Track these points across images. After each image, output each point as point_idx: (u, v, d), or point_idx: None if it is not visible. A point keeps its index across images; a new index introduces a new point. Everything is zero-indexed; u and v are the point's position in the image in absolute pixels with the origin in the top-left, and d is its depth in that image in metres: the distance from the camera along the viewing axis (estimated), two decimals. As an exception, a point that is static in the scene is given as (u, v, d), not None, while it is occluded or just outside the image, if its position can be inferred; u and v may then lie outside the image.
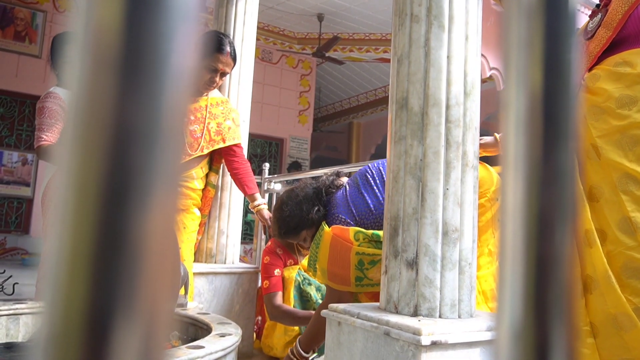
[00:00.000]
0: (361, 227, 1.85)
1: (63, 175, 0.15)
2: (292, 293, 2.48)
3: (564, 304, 0.18)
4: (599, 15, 1.43)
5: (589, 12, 1.54)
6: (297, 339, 2.03)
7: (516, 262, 0.18)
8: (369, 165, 2.05)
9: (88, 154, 0.14)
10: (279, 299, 2.47)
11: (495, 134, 2.03)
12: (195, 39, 0.16)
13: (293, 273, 2.53)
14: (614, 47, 1.37)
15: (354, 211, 1.90)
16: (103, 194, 0.14)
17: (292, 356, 2.03)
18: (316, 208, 2.02)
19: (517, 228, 0.19)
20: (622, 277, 1.21)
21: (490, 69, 4.82)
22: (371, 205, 1.89)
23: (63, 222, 0.14)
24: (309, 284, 2.50)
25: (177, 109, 0.15)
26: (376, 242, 1.74)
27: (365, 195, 1.92)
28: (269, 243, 2.67)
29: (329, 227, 1.88)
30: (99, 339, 0.14)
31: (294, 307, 2.46)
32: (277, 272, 2.53)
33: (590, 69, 1.41)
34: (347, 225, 1.87)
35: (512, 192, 0.19)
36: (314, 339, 1.98)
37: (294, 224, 2.04)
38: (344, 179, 2.15)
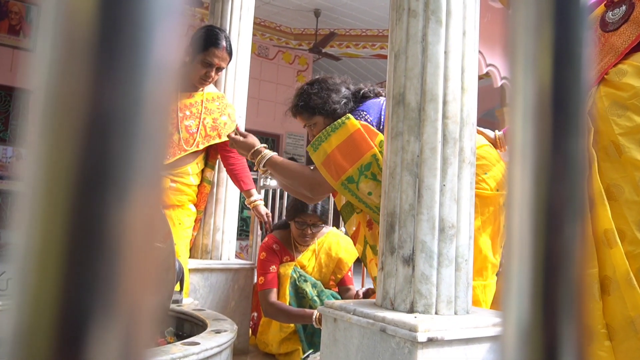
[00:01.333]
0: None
1: (32, 164, 0.14)
2: (287, 289, 2.47)
3: (574, 302, 0.17)
4: (623, 7, 1.38)
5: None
6: (272, 158, 1.95)
7: (523, 258, 0.17)
8: None
9: (60, 141, 0.13)
10: (273, 295, 2.47)
11: (496, 132, 2.00)
12: (178, 23, 0.15)
13: (289, 269, 2.53)
14: None
15: (382, 119, 1.84)
16: (77, 184, 0.13)
17: (253, 159, 1.97)
18: (344, 101, 1.93)
19: (524, 222, 0.18)
20: None
21: (487, 65, 4.81)
22: None
23: (33, 213, 0.13)
24: (305, 281, 2.50)
25: (159, 96, 0.14)
26: None
27: None
28: (266, 239, 2.66)
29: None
30: (72, 339, 0.13)
31: (289, 303, 2.46)
32: (272, 268, 2.53)
33: (614, 65, 1.36)
34: (368, 124, 1.80)
35: (519, 185, 0.18)
36: (283, 172, 1.94)
37: (314, 103, 1.93)
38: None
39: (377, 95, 1.99)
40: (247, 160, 2.00)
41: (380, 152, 1.69)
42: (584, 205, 0.18)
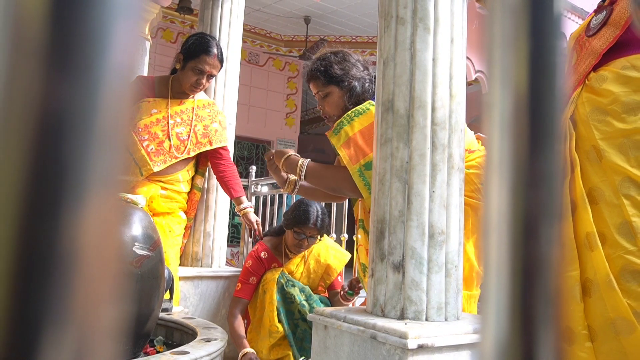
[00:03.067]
0: None
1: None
2: (274, 295, 2.47)
3: (552, 309, 0.17)
4: (604, 13, 1.41)
5: (576, 18, 1.52)
6: (307, 164, 1.84)
7: (501, 270, 0.18)
8: None
9: (8, 145, 0.13)
10: (240, 306, 2.53)
11: None
12: (136, 24, 0.15)
13: (276, 274, 2.52)
14: (619, 47, 1.35)
15: None
16: (26, 190, 0.13)
17: (289, 169, 1.88)
18: (368, 81, 1.88)
19: (502, 234, 0.18)
20: (621, 281, 1.20)
21: (476, 71, 4.84)
22: None
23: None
24: (293, 286, 2.49)
25: (115, 98, 0.14)
26: None
27: None
28: (257, 246, 2.65)
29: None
30: (22, 353, 0.13)
31: (277, 308, 2.46)
32: (252, 279, 2.54)
33: (595, 67, 1.39)
34: None
35: (496, 196, 0.18)
36: (322, 180, 1.86)
37: (334, 72, 1.86)
38: None
39: None
40: (281, 174, 1.91)
41: None
42: (561, 213, 0.18)
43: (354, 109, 1.79)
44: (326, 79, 1.89)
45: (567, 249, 1.29)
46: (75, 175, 0.13)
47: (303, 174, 1.84)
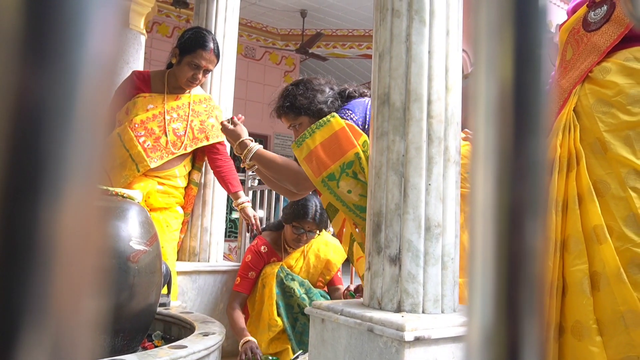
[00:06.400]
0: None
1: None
2: (274, 289, 2.47)
3: (536, 300, 0.18)
4: (604, 7, 1.39)
5: (561, 4, 1.50)
6: (258, 151, 1.93)
7: (487, 260, 0.18)
8: None
9: None
10: (239, 300, 2.56)
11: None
12: (115, 13, 0.15)
13: (275, 269, 2.53)
14: (622, 41, 1.34)
15: (368, 118, 1.84)
16: (3, 184, 0.13)
17: (239, 152, 1.95)
18: (330, 100, 1.94)
19: (487, 224, 0.18)
20: (629, 274, 1.20)
21: (472, 64, 4.84)
22: None
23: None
24: (292, 279, 2.50)
25: (94, 90, 0.14)
26: None
27: None
28: (256, 241, 2.66)
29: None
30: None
31: (276, 302, 2.47)
32: (251, 274, 2.55)
33: (598, 63, 1.38)
34: (353, 123, 1.81)
35: (482, 187, 0.18)
36: (269, 166, 1.93)
37: (300, 104, 1.94)
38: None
39: (362, 95, 2.00)
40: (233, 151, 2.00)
41: (364, 152, 1.69)
42: (546, 205, 0.18)
43: (316, 122, 1.82)
44: (295, 112, 1.97)
45: (575, 242, 1.29)
46: (52, 167, 0.13)
47: (249, 158, 1.91)
